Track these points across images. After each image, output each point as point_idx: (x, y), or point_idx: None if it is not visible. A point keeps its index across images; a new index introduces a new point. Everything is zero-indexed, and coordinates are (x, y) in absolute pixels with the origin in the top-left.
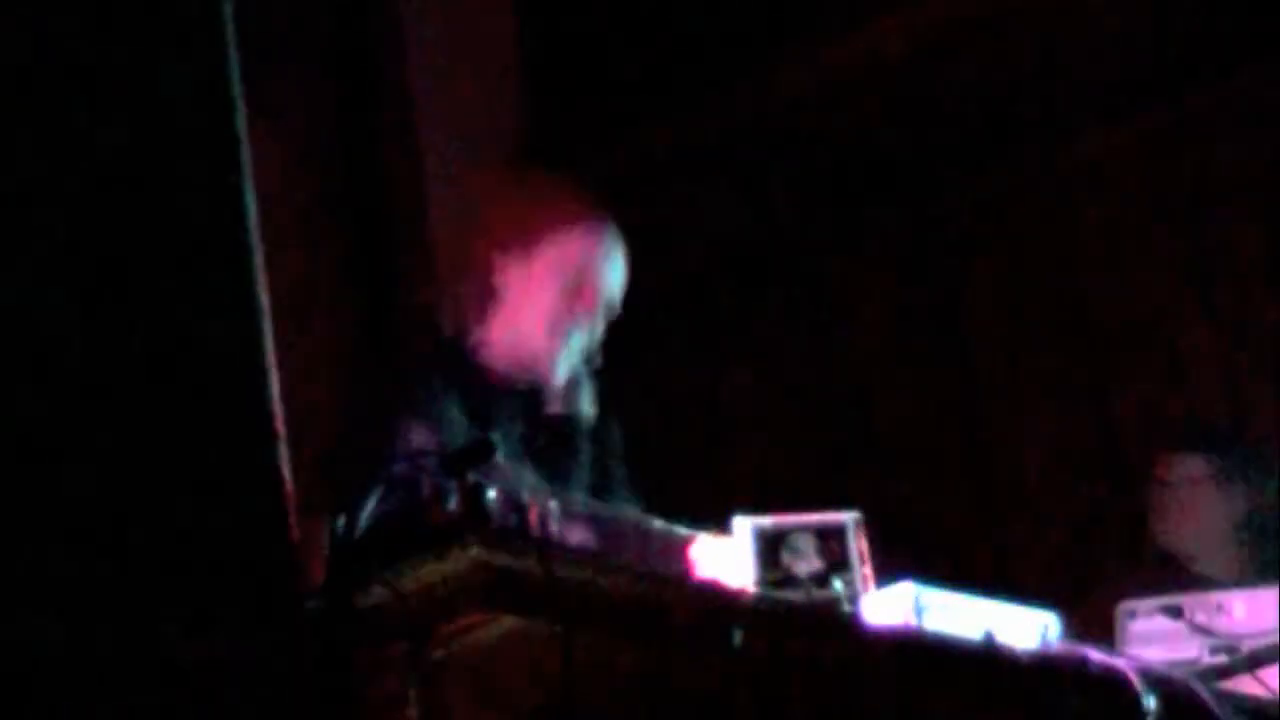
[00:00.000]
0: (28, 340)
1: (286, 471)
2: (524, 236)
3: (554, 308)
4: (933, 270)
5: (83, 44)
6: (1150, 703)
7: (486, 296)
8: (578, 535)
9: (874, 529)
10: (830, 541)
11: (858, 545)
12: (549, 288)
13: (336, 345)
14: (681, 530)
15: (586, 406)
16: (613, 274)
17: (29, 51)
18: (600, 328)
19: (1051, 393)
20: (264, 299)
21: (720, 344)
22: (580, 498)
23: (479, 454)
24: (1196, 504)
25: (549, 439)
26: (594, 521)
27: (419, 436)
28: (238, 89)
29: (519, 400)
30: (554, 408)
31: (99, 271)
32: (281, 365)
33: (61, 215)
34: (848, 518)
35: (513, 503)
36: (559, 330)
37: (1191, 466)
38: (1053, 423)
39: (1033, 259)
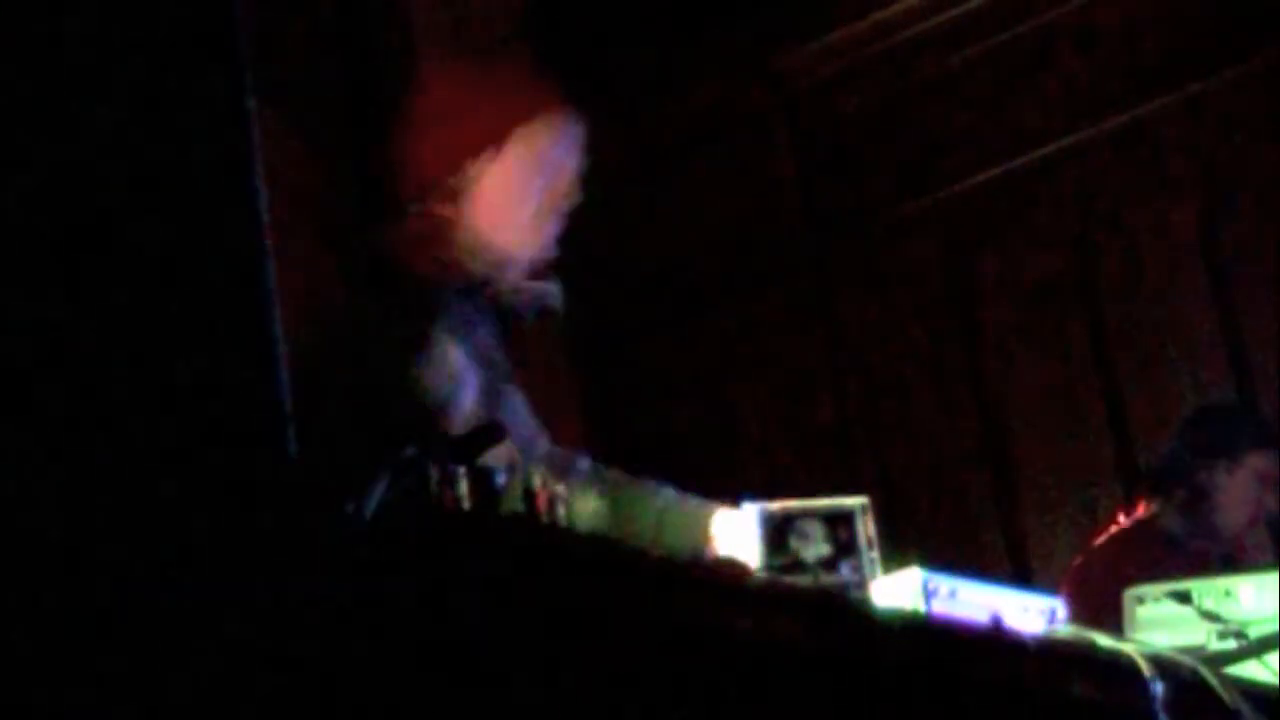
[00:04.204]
0: (28, 332)
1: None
2: (494, 135)
3: (531, 200)
4: (942, 255)
5: (88, 37)
6: (1158, 688)
7: (460, 196)
8: (589, 506)
9: (881, 515)
10: (838, 527)
11: (865, 530)
12: (524, 181)
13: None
14: (697, 502)
15: (556, 299)
16: (576, 157)
17: (34, 49)
18: (568, 207)
19: (1061, 380)
20: (273, 278)
21: (725, 329)
22: (588, 464)
23: (488, 438)
24: (1258, 496)
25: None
26: (604, 488)
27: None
28: (247, 72)
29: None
30: (522, 300)
31: (105, 255)
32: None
33: (66, 204)
34: (855, 503)
35: (521, 487)
36: (538, 218)
37: (1259, 461)
38: (1062, 408)
39: (1041, 245)
